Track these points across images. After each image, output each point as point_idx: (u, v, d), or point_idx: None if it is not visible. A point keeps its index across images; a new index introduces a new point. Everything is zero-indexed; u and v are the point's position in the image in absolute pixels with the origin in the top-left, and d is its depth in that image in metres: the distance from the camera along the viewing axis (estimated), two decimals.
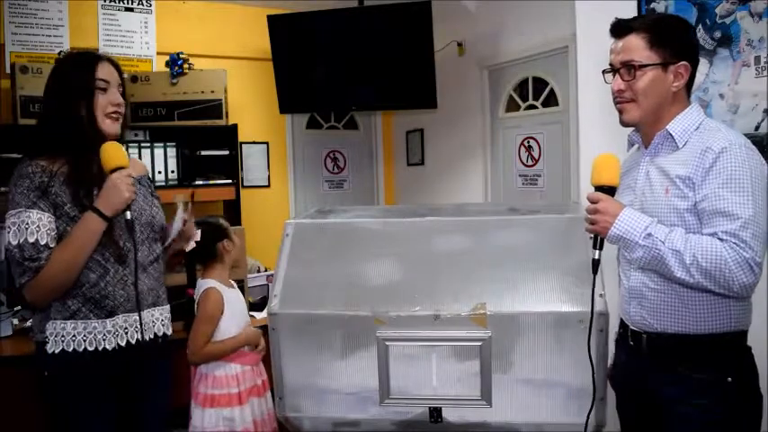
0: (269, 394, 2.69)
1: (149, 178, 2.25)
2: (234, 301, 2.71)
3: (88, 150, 1.93)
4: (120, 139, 2.06)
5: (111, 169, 1.89)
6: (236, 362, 2.64)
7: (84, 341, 1.92)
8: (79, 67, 1.98)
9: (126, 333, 1.97)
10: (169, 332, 2.10)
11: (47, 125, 1.99)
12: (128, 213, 1.89)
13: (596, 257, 1.57)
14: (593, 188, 1.70)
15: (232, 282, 2.85)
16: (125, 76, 2.13)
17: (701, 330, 1.70)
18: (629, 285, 1.83)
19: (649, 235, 1.63)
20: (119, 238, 1.94)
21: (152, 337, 2.04)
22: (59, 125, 1.95)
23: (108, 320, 1.94)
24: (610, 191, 1.68)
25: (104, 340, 1.93)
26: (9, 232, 1.87)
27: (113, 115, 1.98)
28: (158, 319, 2.07)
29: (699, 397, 1.68)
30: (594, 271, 1.53)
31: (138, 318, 1.97)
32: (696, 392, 1.69)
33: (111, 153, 1.90)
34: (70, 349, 1.91)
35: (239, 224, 4.03)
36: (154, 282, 2.06)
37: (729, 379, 1.68)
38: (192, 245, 2.19)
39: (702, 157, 1.66)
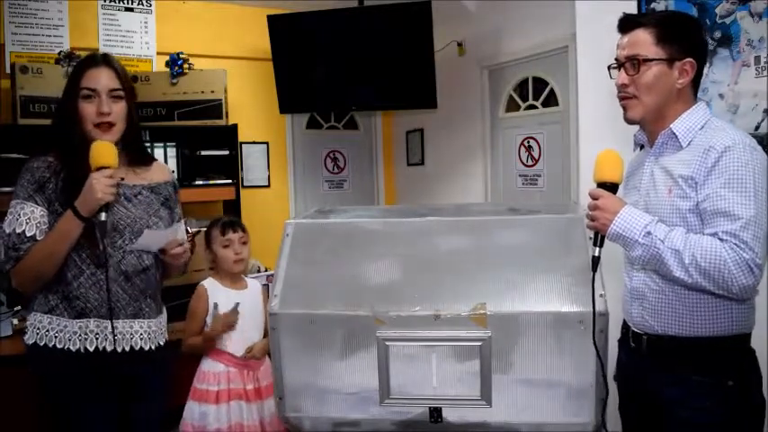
0: (267, 403, 2.68)
1: (174, 186, 2.21)
2: (226, 301, 2.71)
3: (77, 152, 1.94)
4: (136, 141, 2.09)
5: (96, 168, 1.87)
6: (220, 361, 2.66)
7: (55, 338, 1.94)
8: (72, 74, 2.00)
9: (96, 338, 1.95)
10: (148, 347, 2.05)
11: (51, 125, 2.06)
12: (102, 215, 1.86)
13: (596, 254, 1.56)
14: (595, 185, 1.69)
15: (246, 280, 2.87)
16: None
17: (701, 333, 1.69)
18: (631, 286, 1.83)
19: (649, 233, 1.61)
20: (100, 241, 1.92)
21: (127, 349, 2.00)
22: (55, 127, 2.01)
23: (76, 321, 1.94)
24: (612, 188, 1.66)
25: (69, 341, 1.94)
26: (5, 221, 1.93)
27: (102, 126, 1.96)
28: (137, 332, 2.03)
29: (699, 399, 1.68)
30: (594, 268, 1.52)
31: (108, 325, 1.95)
32: (696, 395, 1.68)
33: (97, 152, 1.88)
34: (42, 343, 1.94)
35: None
36: (138, 293, 2.02)
37: (730, 382, 1.67)
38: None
39: (705, 156, 1.64)
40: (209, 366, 2.67)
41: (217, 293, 2.71)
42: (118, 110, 1.98)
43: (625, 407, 1.91)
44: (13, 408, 2.75)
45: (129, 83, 2.03)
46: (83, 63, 2.00)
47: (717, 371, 1.68)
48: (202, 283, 2.75)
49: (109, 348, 1.96)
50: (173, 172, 4.03)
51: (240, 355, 2.67)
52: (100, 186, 1.83)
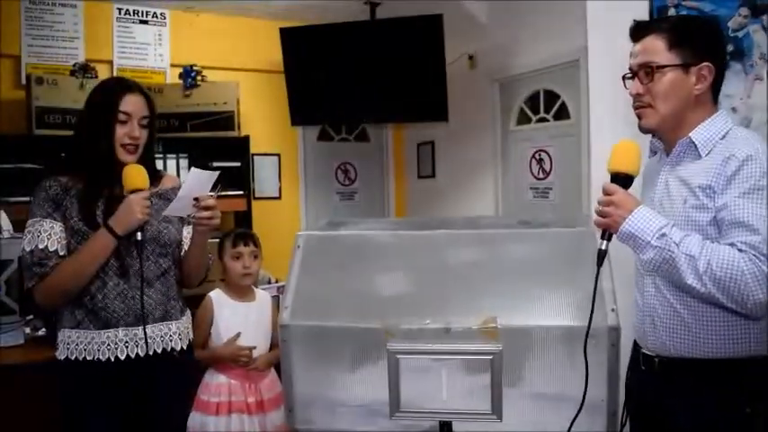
0: (269, 416, 2.68)
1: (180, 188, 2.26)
2: (232, 313, 2.73)
3: (104, 174, 2.01)
4: (150, 160, 2.14)
5: (130, 191, 1.95)
6: (223, 373, 2.68)
7: (85, 350, 1.99)
8: (105, 99, 2.04)
9: (126, 347, 2.00)
10: (179, 347, 2.11)
11: (72, 148, 2.10)
12: (138, 234, 1.95)
13: (603, 248, 1.46)
14: (608, 178, 1.62)
15: (255, 292, 2.87)
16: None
17: (717, 355, 1.62)
18: (643, 304, 1.76)
19: (663, 235, 1.53)
20: (123, 252, 2.00)
21: (159, 351, 2.05)
22: (81, 151, 2.04)
23: (103, 332, 1.99)
24: (627, 180, 1.58)
25: (99, 351, 1.99)
26: (24, 240, 1.99)
27: (129, 147, 2.03)
28: (166, 334, 2.08)
29: (714, 424, 1.61)
30: (599, 263, 1.42)
31: (137, 332, 2.00)
32: (711, 422, 1.62)
33: (132, 175, 1.97)
34: (73, 357, 1.99)
35: None
36: (161, 296, 2.08)
37: (748, 409, 1.59)
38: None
39: (725, 164, 1.58)
40: (211, 378, 2.68)
41: (223, 305, 2.73)
42: (143, 135, 2.07)
43: (635, 429, 1.84)
44: (26, 416, 2.75)
45: (155, 111, 2.12)
46: (119, 87, 2.06)
47: (734, 395, 1.61)
48: (209, 294, 2.77)
49: (141, 354, 2.01)
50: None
51: (242, 364, 2.67)
52: (139, 208, 1.93)
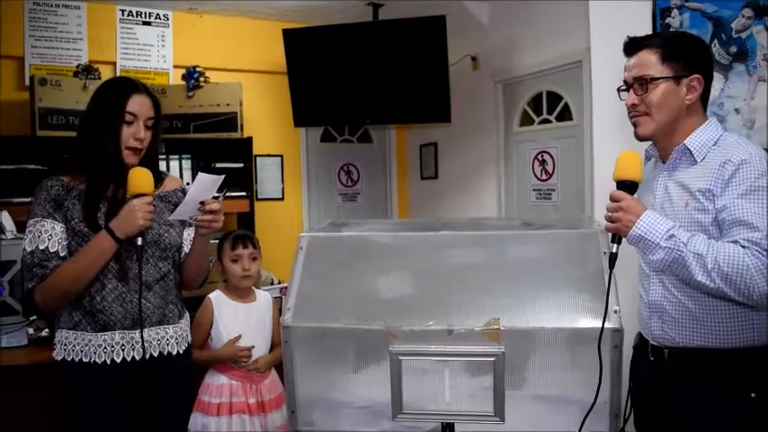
0: (270, 417, 2.68)
1: (184, 191, 2.24)
2: (232, 314, 2.73)
3: (107, 175, 2.00)
4: (154, 162, 2.12)
5: (134, 195, 1.93)
6: (224, 373, 2.68)
7: (81, 352, 1.98)
8: (112, 99, 2.02)
9: (123, 350, 1.99)
10: (176, 351, 2.09)
11: (76, 148, 2.06)
12: (139, 240, 1.93)
13: (614, 251, 1.52)
14: (614, 184, 1.69)
15: (256, 293, 2.87)
16: None
17: (723, 344, 1.69)
18: (648, 300, 1.83)
19: (672, 236, 1.62)
20: (123, 255, 1.98)
21: (155, 355, 2.04)
22: (85, 151, 2.01)
23: (100, 334, 1.98)
24: (632, 186, 1.67)
25: (95, 354, 1.98)
26: (26, 240, 1.98)
27: (133, 149, 2.02)
28: (163, 338, 2.07)
29: (720, 412, 1.68)
30: (611, 266, 1.49)
31: (134, 335, 1.99)
32: (717, 407, 1.68)
33: (137, 179, 1.95)
34: (69, 358, 1.98)
35: None
36: (160, 300, 2.06)
37: (753, 394, 1.67)
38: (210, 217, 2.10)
39: (722, 169, 1.67)
40: (212, 379, 2.68)
41: (222, 306, 2.72)
42: (148, 137, 2.05)
43: (642, 421, 1.89)
44: (29, 417, 2.76)
45: (160, 113, 2.09)
46: (126, 87, 2.04)
47: (738, 382, 1.68)
48: (209, 295, 2.76)
49: (137, 357, 1.99)
50: (187, 184, 4.09)
51: (243, 365, 2.67)
52: (141, 213, 1.90)
